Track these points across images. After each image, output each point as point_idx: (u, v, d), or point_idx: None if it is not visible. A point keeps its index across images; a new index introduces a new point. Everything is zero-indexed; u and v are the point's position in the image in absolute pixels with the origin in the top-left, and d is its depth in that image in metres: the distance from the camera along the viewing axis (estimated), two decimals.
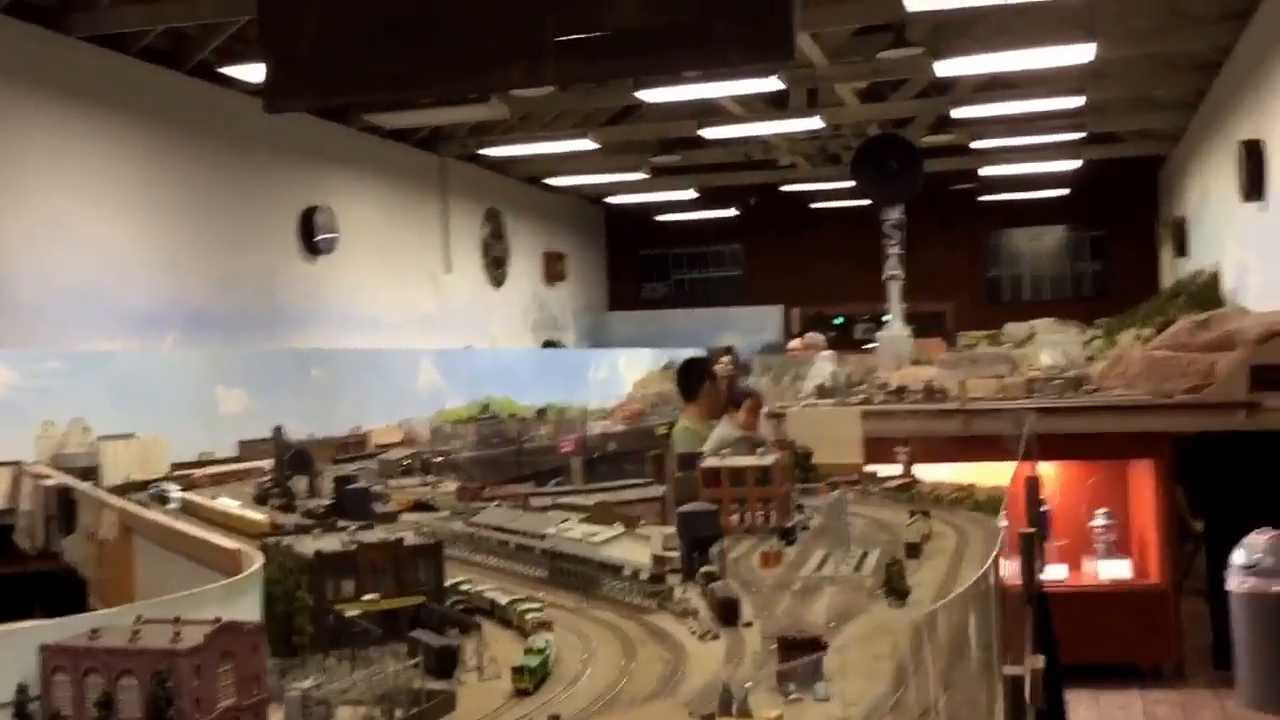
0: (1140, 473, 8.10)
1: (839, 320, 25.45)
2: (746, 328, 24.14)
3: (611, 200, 24.56)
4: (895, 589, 2.87)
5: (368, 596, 2.67)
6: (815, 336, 15.46)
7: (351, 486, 5.07)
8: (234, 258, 14.04)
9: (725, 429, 7.47)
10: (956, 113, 16.70)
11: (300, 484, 5.72)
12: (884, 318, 18.91)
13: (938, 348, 16.18)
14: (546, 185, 22.33)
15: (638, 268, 27.25)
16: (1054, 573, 7.91)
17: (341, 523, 4.81)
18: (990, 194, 23.60)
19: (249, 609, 2.32)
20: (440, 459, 7.03)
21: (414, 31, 5.49)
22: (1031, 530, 3.86)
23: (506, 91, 13.18)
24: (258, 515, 4.57)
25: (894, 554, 3.22)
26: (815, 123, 16.92)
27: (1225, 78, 15.14)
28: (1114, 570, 8.02)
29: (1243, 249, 14.13)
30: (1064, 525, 8.16)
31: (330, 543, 2.88)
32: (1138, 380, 8.17)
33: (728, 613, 2.74)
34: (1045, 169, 21.52)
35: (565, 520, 3.63)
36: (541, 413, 11.13)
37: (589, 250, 26.09)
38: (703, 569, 3.17)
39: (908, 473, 5.07)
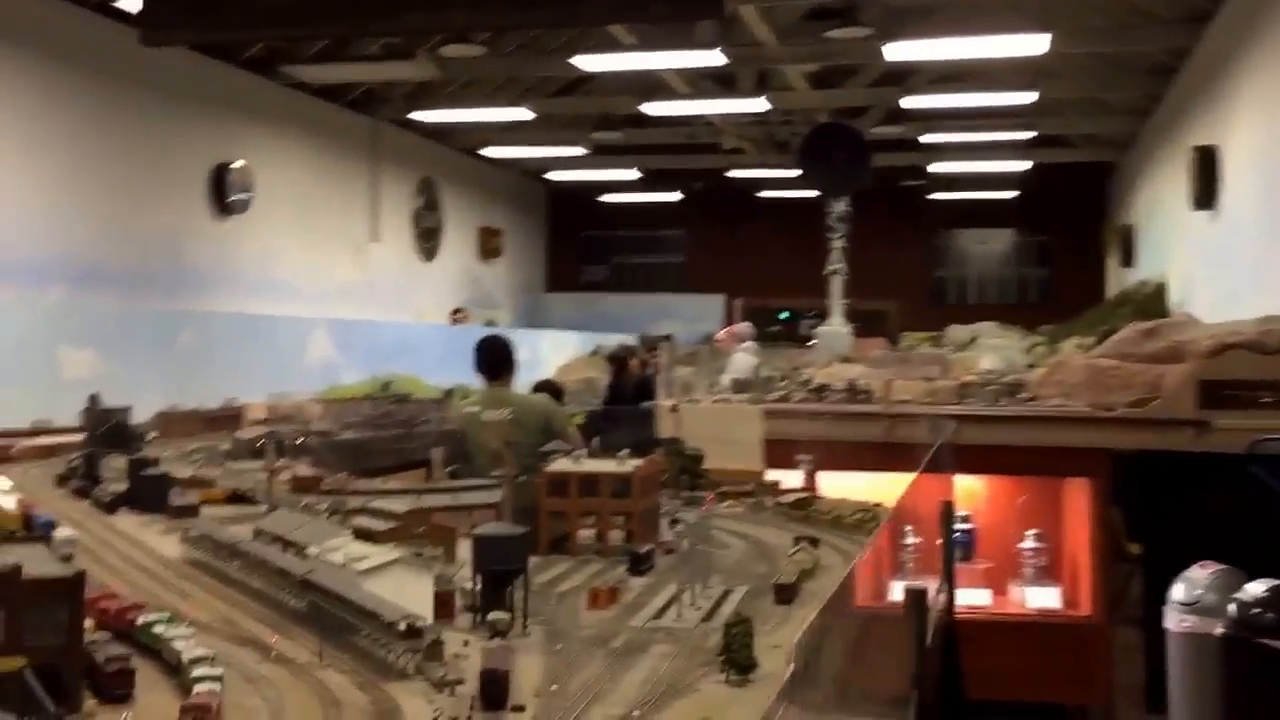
0: (1075, 492, 7.49)
1: (784, 314, 24.94)
2: (688, 316, 23.58)
3: (553, 177, 23.83)
4: (735, 660, 2.17)
5: None
6: (742, 327, 14.87)
7: (145, 472, 4.37)
8: (134, 211, 13.09)
9: None
10: (907, 103, 16.16)
11: (116, 463, 4.98)
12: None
13: (878, 347, 15.74)
14: (484, 157, 21.54)
15: (578, 249, 26.56)
16: (976, 598, 7.29)
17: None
18: (939, 192, 23.16)
19: None
20: (301, 440, 6.25)
21: None
22: (917, 592, 3.16)
23: (412, 38, 12.36)
24: (8, 506, 3.82)
25: (741, 611, 2.52)
26: (761, 104, 16.30)
27: (1181, 82, 14.68)
28: (1042, 598, 7.36)
29: (1191, 259, 13.70)
30: (990, 545, 7.53)
31: None
32: (1078, 390, 7.57)
33: (490, 692, 2.03)
34: (994, 168, 21.12)
35: (339, 536, 2.93)
36: (449, 394, 10.34)
37: (528, 227, 25.34)
38: (492, 616, 2.49)
39: (809, 484, 4.43)
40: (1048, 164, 20.84)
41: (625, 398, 12.90)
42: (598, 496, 3.54)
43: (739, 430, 5.00)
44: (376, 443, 6.15)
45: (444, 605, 2.65)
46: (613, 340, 17.35)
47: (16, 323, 7.95)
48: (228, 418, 8.22)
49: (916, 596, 2.95)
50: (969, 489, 7.30)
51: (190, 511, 4.17)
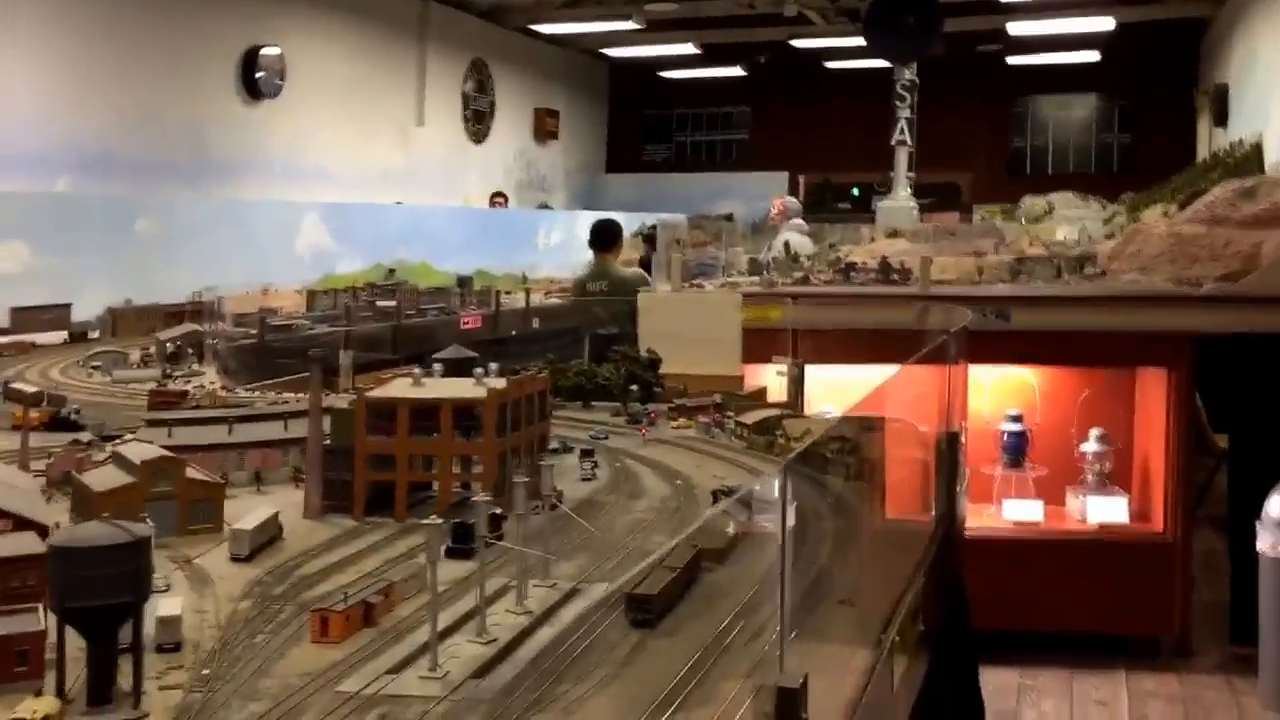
0: (1150, 384, 6.51)
1: (855, 190, 23.93)
2: (749, 194, 22.60)
3: (612, 54, 22.82)
4: None
5: None
6: (789, 201, 13.91)
7: None
8: (152, 98, 12.40)
9: None
10: None
11: None
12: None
13: (950, 221, 14.90)
14: (539, 35, 20.61)
15: (639, 128, 25.59)
16: (1025, 511, 6.37)
17: None
18: (1016, 55, 21.77)
19: None
20: (230, 343, 5.42)
21: None
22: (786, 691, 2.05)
23: None
24: None
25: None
26: None
27: None
28: (1106, 510, 6.36)
29: None
30: (1046, 450, 6.56)
31: None
32: (1156, 263, 6.61)
33: None
34: (1076, 28, 19.63)
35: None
36: (463, 282, 9.57)
37: (588, 108, 24.41)
38: (21, 709, 1.58)
39: (793, 397, 3.59)
40: (1133, 22, 19.34)
41: None
42: (434, 434, 2.61)
43: (712, 325, 4.07)
44: (281, 345, 5.31)
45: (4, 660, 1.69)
46: (653, 219, 16.41)
47: None
48: (193, 312, 7.49)
49: (786, 696, 1.90)
50: (1021, 383, 6.43)
51: None
